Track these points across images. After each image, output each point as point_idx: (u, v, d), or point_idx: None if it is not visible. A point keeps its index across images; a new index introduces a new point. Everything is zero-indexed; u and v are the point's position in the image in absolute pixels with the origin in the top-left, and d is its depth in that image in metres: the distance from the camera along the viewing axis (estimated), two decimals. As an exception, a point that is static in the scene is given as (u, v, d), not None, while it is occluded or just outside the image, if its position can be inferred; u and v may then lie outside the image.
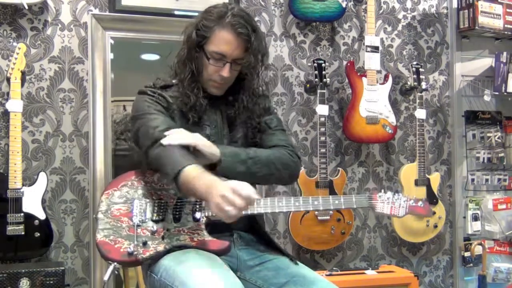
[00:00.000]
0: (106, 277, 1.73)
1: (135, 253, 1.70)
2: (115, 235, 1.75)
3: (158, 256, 1.70)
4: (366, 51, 3.11)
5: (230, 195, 1.47)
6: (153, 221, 1.75)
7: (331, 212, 2.99)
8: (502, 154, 3.47)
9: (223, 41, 1.76)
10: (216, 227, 1.77)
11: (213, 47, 1.78)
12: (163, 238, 1.72)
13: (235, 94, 1.89)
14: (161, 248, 1.71)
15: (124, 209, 1.79)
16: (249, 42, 1.77)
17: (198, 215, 1.75)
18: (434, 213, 3.21)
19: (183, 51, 1.84)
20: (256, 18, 3.03)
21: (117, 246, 1.73)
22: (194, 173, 1.58)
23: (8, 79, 2.60)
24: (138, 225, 1.75)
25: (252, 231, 1.90)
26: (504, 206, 3.44)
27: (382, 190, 1.86)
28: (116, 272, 1.78)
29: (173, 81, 1.89)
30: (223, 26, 1.76)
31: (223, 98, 1.90)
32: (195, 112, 1.82)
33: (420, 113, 3.19)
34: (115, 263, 1.72)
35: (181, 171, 1.58)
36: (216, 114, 1.88)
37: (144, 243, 1.71)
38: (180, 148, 1.67)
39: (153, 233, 1.73)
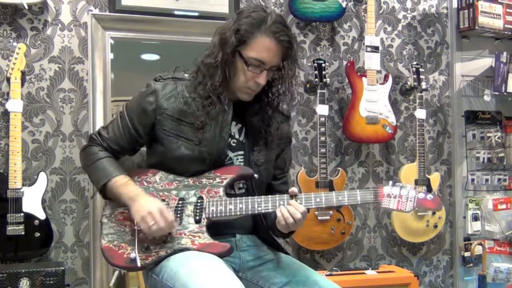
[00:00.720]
0: (111, 283, 1.72)
1: (138, 259, 1.69)
2: (119, 240, 1.74)
3: (160, 261, 1.70)
4: (366, 51, 3.11)
5: (157, 214, 1.67)
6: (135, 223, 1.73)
7: (331, 212, 2.99)
8: (502, 154, 3.47)
9: (264, 48, 1.70)
10: (218, 229, 1.76)
11: (252, 54, 1.71)
12: (164, 242, 1.71)
13: (260, 101, 1.85)
14: (163, 253, 1.70)
15: (127, 213, 1.79)
16: (291, 50, 1.74)
17: (198, 217, 1.75)
18: (434, 213, 3.21)
19: (217, 54, 1.75)
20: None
21: (120, 251, 1.72)
22: (120, 182, 1.77)
23: (8, 79, 2.60)
24: (140, 230, 1.73)
25: (254, 232, 1.90)
26: (504, 206, 3.44)
27: (390, 183, 1.75)
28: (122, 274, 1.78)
29: (185, 75, 1.84)
30: (265, 32, 1.70)
31: (237, 105, 1.84)
32: (206, 116, 1.76)
33: (420, 113, 3.19)
34: (120, 269, 1.71)
35: (111, 180, 1.78)
36: (220, 117, 1.79)
37: (147, 248, 1.71)
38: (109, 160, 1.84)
39: (154, 237, 1.72)
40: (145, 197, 1.73)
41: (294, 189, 1.73)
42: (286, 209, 1.70)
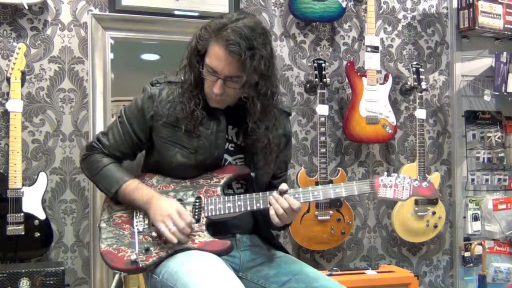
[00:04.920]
0: (112, 287, 1.72)
1: (138, 260, 1.69)
2: (118, 243, 1.74)
3: (161, 261, 1.69)
4: (366, 51, 3.11)
5: (175, 216, 1.68)
6: (154, 226, 1.73)
7: (331, 212, 2.99)
8: (502, 154, 3.47)
9: (214, 56, 1.66)
10: (218, 229, 1.76)
11: (207, 60, 1.69)
12: (165, 242, 1.71)
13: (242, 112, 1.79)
14: (163, 253, 1.70)
15: (126, 216, 1.79)
16: (240, 62, 1.63)
17: (198, 216, 1.75)
18: (435, 212, 3.21)
19: (184, 59, 1.76)
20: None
21: (120, 254, 1.72)
22: (131, 187, 1.77)
23: (8, 79, 2.60)
24: (139, 232, 1.74)
25: (254, 231, 1.90)
26: (504, 206, 3.44)
27: (385, 173, 1.77)
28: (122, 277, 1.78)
29: (182, 78, 1.81)
30: (217, 40, 1.65)
31: (232, 109, 1.81)
32: (189, 121, 1.75)
33: (420, 113, 3.19)
34: (121, 272, 1.71)
35: (122, 186, 1.78)
36: (214, 124, 1.79)
37: (147, 250, 1.70)
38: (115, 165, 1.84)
39: (154, 238, 1.72)
40: (161, 199, 1.73)
41: (285, 184, 1.74)
42: (275, 199, 1.70)
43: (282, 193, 1.72)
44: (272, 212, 1.71)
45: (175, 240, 1.67)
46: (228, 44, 1.62)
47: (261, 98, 1.72)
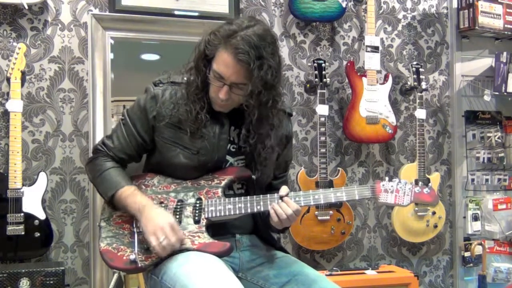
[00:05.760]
0: (110, 287, 1.72)
1: (137, 260, 1.69)
2: (118, 243, 1.74)
3: (160, 262, 1.69)
4: (366, 51, 3.11)
5: (168, 229, 1.65)
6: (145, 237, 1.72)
7: (331, 212, 2.99)
8: (502, 154, 3.47)
9: (222, 62, 1.66)
10: (217, 230, 1.76)
11: (214, 66, 1.69)
12: None
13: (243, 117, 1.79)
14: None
15: (126, 216, 1.79)
16: (248, 70, 1.64)
17: (198, 217, 1.75)
18: (435, 212, 3.21)
19: (194, 59, 1.76)
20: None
21: (120, 254, 1.72)
22: (126, 193, 1.76)
23: (8, 79, 2.60)
24: (139, 232, 1.74)
25: (254, 232, 1.90)
26: (504, 206, 3.44)
27: (387, 178, 1.77)
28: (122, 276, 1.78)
29: (185, 78, 1.81)
30: (226, 47, 1.65)
31: (235, 111, 1.81)
32: (193, 124, 1.75)
33: (420, 113, 3.19)
34: (120, 272, 1.71)
35: (118, 191, 1.77)
36: (217, 126, 1.79)
37: (146, 249, 1.70)
38: (116, 170, 1.84)
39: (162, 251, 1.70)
40: (154, 210, 1.72)
41: (285, 187, 1.75)
42: (279, 205, 1.71)
43: (282, 196, 1.72)
44: (271, 211, 1.72)
45: (164, 254, 1.66)
46: (237, 52, 1.63)
47: (261, 107, 1.72)
